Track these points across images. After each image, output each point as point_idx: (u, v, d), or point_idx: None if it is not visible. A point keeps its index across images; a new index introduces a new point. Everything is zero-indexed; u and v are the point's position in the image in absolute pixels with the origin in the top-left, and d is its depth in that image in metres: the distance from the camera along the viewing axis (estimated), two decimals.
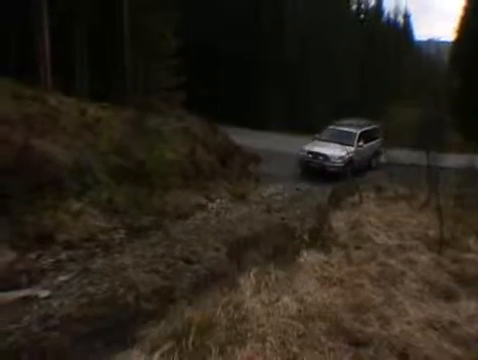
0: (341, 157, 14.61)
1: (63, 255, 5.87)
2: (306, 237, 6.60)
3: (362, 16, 40.15)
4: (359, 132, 15.78)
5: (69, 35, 16.29)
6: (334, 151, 14.76)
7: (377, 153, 16.60)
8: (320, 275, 4.95)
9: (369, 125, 16.75)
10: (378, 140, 16.85)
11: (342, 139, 15.45)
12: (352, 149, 15.16)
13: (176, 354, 3.25)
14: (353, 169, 14.35)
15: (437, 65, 42.61)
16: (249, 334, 3.53)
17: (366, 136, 15.91)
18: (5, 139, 7.03)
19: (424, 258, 5.54)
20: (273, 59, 24.56)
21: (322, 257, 5.54)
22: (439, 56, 48.02)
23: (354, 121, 16.95)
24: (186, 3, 19.74)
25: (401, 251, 5.79)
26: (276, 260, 5.15)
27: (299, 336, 3.63)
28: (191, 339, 3.40)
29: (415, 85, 36.12)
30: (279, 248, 5.68)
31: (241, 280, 4.63)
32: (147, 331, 3.68)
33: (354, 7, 38.77)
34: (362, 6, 39.97)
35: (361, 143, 15.52)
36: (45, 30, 13.81)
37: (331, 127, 16.49)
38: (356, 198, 9.75)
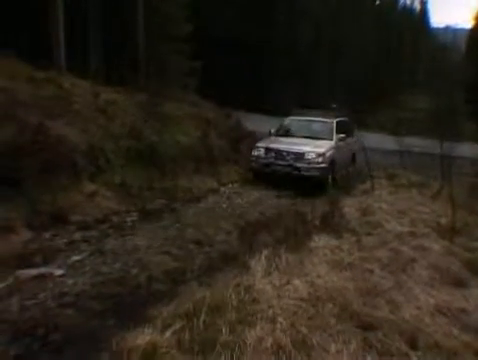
0: (321, 154, 10.26)
1: (77, 235, 5.95)
2: (317, 222, 6.64)
3: (377, 2, 39.75)
4: (335, 121, 11.78)
5: (84, 19, 16.32)
6: (310, 147, 10.50)
7: (354, 157, 13.11)
8: (331, 259, 5.00)
9: (339, 116, 12.57)
10: (354, 139, 12.90)
11: (314, 132, 11.43)
12: (332, 144, 11.05)
13: (187, 332, 3.31)
14: (335, 174, 10.86)
15: (453, 52, 41.93)
16: (259, 315, 3.59)
17: (342, 129, 11.95)
18: (21, 121, 7.11)
19: (435, 245, 5.56)
20: (287, 45, 24.44)
21: (333, 242, 5.60)
22: (456, 43, 47.22)
23: (318, 111, 12.77)
24: None
25: (412, 238, 5.82)
26: (287, 244, 5.19)
27: (309, 318, 3.68)
28: (202, 318, 3.46)
29: (430, 72, 35.63)
30: (290, 232, 5.72)
31: (252, 262, 4.69)
32: (159, 310, 3.74)
33: None
34: None
35: (341, 136, 11.52)
36: (59, 12, 13.81)
37: (293, 118, 12.49)
38: (368, 185, 9.78)
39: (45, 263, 4.95)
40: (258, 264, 4.67)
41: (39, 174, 6.30)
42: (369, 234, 6.12)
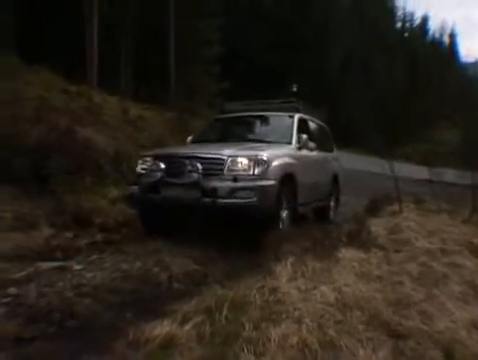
0: (261, 162, 5.46)
1: (98, 237, 5.91)
2: (344, 238, 6.44)
3: (406, 34, 39.96)
4: (297, 117, 7.19)
5: (116, 38, 16.80)
6: (240, 149, 5.87)
7: (336, 181, 9.06)
8: (358, 271, 4.81)
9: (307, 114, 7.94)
10: (333, 154, 9.27)
11: (260, 134, 7.15)
12: (289, 150, 6.52)
13: (208, 326, 3.17)
14: (297, 204, 6.36)
15: None
16: (284, 315, 3.43)
17: (314, 135, 7.72)
18: (52, 123, 7.26)
19: (468, 263, 5.30)
20: (314, 71, 24.61)
21: (361, 255, 5.39)
22: None
23: (270, 105, 7.78)
24: (232, 11, 20.13)
25: (443, 255, 5.56)
26: (314, 253, 5.03)
27: (336, 322, 3.50)
28: (224, 314, 3.33)
29: (458, 105, 35.37)
30: (317, 243, 5.54)
31: (277, 268, 4.55)
32: (179, 306, 3.62)
33: (399, 25, 38.73)
34: (407, 24, 39.88)
35: (306, 138, 6.83)
36: (94, 32, 14.25)
37: (223, 116, 7.94)
38: (395, 207, 9.51)
39: (65, 259, 4.90)
40: (283, 270, 4.52)
41: (65, 174, 6.35)
42: (397, 251, 5.88)
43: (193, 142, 7.29)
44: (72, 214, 6.07)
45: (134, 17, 16.20)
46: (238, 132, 7.43)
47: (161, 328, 3.15)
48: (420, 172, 14.97)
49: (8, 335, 3.07)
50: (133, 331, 3.12)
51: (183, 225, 6.19)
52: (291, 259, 4.81)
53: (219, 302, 3.52)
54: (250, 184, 5.37)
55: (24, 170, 6.04)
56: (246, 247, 5.46)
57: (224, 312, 3.35)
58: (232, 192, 5.34)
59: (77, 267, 4.58)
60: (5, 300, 3.60)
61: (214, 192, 5.31)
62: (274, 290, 3.90)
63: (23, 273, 4.19)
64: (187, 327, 3.19)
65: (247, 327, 3.17)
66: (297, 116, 7.28)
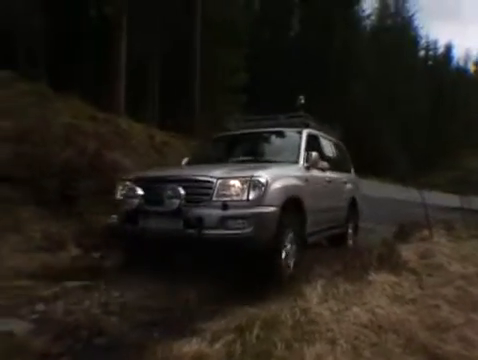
0: (258, 185, 4.51)
1: (125, 258, 5.87)
2: (374, 262, 6.27)
3: (430, 62, 39.97)
4: (306, 133, 6.43)
5: (143, 68, 17.19)
6: (232, 170, 4.98)
7: (354, 204, 8.18)
8: (391, 293, 4.65)
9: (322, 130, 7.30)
10: (350, 175, 8.39)
11: (263, 153, 6.44)
12: (296, 170, 5.68)
13: (238, 345, 3.07)
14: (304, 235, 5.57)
15: None
16: (317, 335, 3.30)
17: (325, 152, 7.05)
18: (81, 146, 7.37)
19: None
20: (338, 100, 24.63)
21: (392, 278, 5.22)
22: None
23: (278, 120, 6.99)
24: (255, 40, 20.50)
25: None
26: (345, 275, 4.90)
27: (371, 344, 3.35)
28: (255, 333, 3.22)
29: None
30: (348, 266, 5.41)
31: (307, 290, 4.42)
32: (208, 325, 3.53)
33: (422, 53, 38.80)
34: (430, 52, 39.95)
35: (316, 157, 5.88)
36: (122, 61, 14.58)
37: (225, 133, 7.26)
38: (425, 233, 9.27)
39: (92, 278, 4.87)
40: (314, 292, 4.40)
41: (93, 195, 6.39)
42: (430, 275, 5.68)
43: (188, 163, 6.75)
44: (99, 235, 6.07)
45: (161, 48, 16.59)
46: (239, 151, 6.70)
47: (190, 346, 3.08)
48: (447, 199, 14.67)
49: (35, 351, 3.03)
50: (161, 349, 3.05)
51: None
52: (321, 281, 4.69)
53: (250, 321, 3.43)
54: (242, 212, 4.45)
55: (53, 191, 6.11)
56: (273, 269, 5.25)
57: (255, 331, 3.26)
58: (221, 222, 4.43)
59: (104, 286, 4.54)
60: (33, 316, 3.58)
61: (200, 222, 4.45)
62: (305, 311, 3.78)
63: (50, 291, 4.18)
64: (217, 345, 3.11)
65: (279, 346, 3.06)
66: (306, 131, 6.50)
